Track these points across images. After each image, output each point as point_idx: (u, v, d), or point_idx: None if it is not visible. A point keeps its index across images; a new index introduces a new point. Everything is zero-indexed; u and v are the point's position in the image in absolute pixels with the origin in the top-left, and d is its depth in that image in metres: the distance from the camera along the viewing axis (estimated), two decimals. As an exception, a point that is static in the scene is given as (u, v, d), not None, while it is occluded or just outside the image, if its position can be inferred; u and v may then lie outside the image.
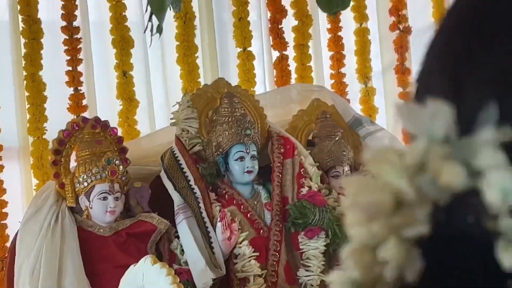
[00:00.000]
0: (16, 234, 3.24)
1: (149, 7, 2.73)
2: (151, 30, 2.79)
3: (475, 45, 0.50)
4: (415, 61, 4.69)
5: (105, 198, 3.17)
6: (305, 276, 3.40)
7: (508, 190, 0.42)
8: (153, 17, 2.74)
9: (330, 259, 3.50)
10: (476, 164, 0.43)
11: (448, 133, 0.45)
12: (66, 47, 3.71)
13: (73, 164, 3.31)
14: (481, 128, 0.44)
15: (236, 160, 3.36)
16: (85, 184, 3.17)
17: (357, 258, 0.46)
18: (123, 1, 3.80)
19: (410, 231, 0.44)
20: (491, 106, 0.45)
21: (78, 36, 3.74)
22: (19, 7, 3.64)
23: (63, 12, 3.72)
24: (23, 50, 3.62)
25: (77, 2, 3.74)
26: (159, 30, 2.75)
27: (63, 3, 3.70)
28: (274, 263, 3.37)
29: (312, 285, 3.38)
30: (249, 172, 3.37)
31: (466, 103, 0.47)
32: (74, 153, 3.27)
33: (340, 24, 4.33)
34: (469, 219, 0.43)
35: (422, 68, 0.55)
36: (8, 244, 3.46)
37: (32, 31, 3.62)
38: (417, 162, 0.44)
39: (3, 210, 3.53)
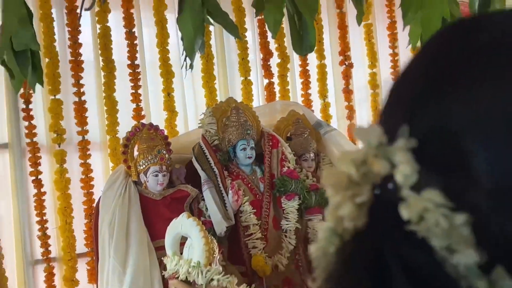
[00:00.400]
0: (99, 199, 3.24)
1: (184, 51, 2.72)
2: (186, 67, 2.77)
3: (424, 91, 0.50)
4: (356, 86, 4.68)
5: (156, 175, 3.17)
6: (286, 224, 3.41)
7: (408, 175, 0.45)
8: (187, 58, 2.73)
9: (301, 213, 3.51)
10: (394, 160, 0.46)
11: (379, 142, 0.48)
12: (130, 78, 3.70)
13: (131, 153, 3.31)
14: (398, 139, 0.47)
15: (241, 150, 3.38)
16: (144, 166, 3.18)
17: (331, 215, 0.50)
18: (167, 48, 3.77)
19: (358, 199, 0.47)
20: (405, 128, 0.47)
21: (138, 70, 3.73)
22: (100, 51, 3.62)
23: (128, 55, 3.70)
24: (103, 80, 3.61)
25: (137, 48, 3.73)
26: (191, 67, 2.75)
27: (128, 48, 3.69)
28: (266, 216, 3.38)
29: (290, 230, 3.39)
30: (249, 157, 3.39)
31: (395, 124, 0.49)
32: (136, 147, 3.27)
33: (308, 61, 4.32)
34: (389, 187, 0.46)
35: (388, 96, 0.55)
36: (94, 205, 3.46)
37: (109, 67, 3.62)
38: (361, 158, 0.48)
39: (91, 183, 3.53)
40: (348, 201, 0.48)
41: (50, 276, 3.40)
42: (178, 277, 2.76)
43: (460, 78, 0.48)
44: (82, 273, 3.50)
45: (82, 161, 3.54)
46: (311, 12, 2.40)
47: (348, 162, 0.48)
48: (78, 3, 3.47)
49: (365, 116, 4.77)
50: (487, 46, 0.49)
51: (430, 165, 0.46)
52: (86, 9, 3.08)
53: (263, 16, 2.46)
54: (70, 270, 3.42)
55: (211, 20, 2.50)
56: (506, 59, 0.47)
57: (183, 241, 2.85)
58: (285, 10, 2.55)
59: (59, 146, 3.47)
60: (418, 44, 1.99)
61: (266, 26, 3.06)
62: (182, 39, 2.61)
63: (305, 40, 2.57)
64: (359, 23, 2.44)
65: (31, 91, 3.17)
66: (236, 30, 2.51)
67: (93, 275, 3.44)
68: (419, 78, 0.51)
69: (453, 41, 0.52)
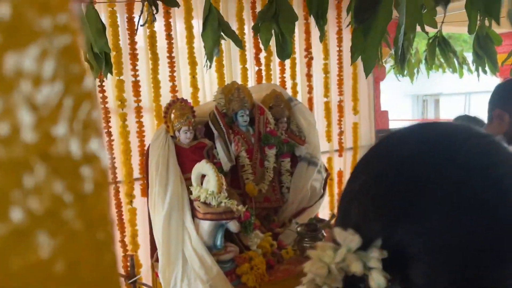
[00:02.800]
0: (148, 146, 3.21)
1: (205, 56, 2.63)
2: (206, 66, 2.68)
3: (369, 208, 0.44)
4: (315, 71, 4.60)
5: (186, 132, 3.11)
6: (267, 163, 3.42)
7: (379, 283, 0.40)
8: (207, 61, 2.64)
9: (277, 158, 3.52)
10: (368, 265, 0.41)
11: (355, 247, 0.43)
12: (168, 65, 3.58)
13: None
14: (372, 248, 0.42)
15: (240, 116, 3.33)
16: (177, 126, 3.11)
17: None
18: (193, 45, 3.65)
19: (334, 285, 0.43)
20: (378, 240, 0.42)
21: (174, 60, 3.61)
22: (148, 47, 3.50)
23: (167, 49, 3.58)
24: (150, 66, 3.50)
25: (173, 45, 3.60)
26: (210, 66, 2.65)
27: (167, 46, 3.56)
28: (255, 159, 3.38)
29: (269, 168, 3.41)
30: (245, 121, 3.34)
31: (371, 234, 0.44)
32: (172, 113, 3.21)
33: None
34: (361, 286, 0.41)
35: (343, 204, 0.49)
36: (145, 148, 3.43)
37: (154, 58, 3.50)
38: (341, 257, 0.43)
39: (143, 134, 3.48)
40: (325, 285, 0.43)
41: (117, 193, 3.41)
42: (199, 200, 2.80)
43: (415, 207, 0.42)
44: (136, 191, 3.51)
45: (137, 120, 3.48)
46: (290, 33, 2.31)
47: (330, 257, 0.43)
48: (135, 13, 3.32)
49: (319, 91, 4.73)
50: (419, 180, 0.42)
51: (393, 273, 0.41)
52: (141, 25, 2.94)
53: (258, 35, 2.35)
54: (129, 189, 3.43)
55: (224, 36, 2.38)
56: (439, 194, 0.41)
57: (203, 175, 2.87)
58: (273, 32, 2.44)
59: (122, 110, 3.39)
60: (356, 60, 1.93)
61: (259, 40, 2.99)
62: (204, 47, 2.50)
63: (285, 50, 2.48)
64: (321, 40, 2.35)
65: (104, 78, 3.07)
66: (240, 43, 2.41)
67: (144, 192, 3.46)
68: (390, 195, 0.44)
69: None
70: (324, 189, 3.71)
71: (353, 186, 0.50)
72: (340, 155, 4.98)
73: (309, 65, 4.47)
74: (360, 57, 1.76)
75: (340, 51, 4.68)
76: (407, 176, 0.44)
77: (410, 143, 0.47)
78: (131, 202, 3.44)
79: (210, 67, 2.67)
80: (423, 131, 0.49)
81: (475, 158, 0.42)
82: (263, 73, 4.16)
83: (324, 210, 4.98)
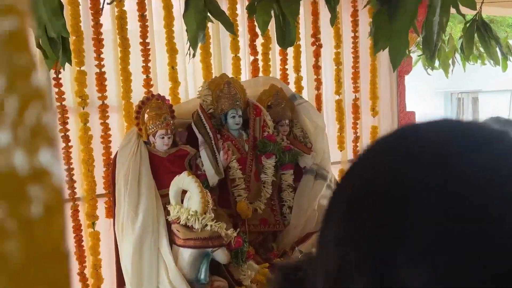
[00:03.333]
0: (116, 154, 3.21)
1: (188, 42, 2.64)
2: (189, 55, 2.70)
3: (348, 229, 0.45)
4: (324, 61, 4.64)
5: (163, 138, 3.14)
6: (264, 177, 3.44)
7: None
8: (190, 48, 2.65)
9: (277, 169, 3.53)
10: None
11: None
12: (142, 53, 3.60)
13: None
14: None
15: (231, 117, 3.35)
16: (153, 130, 3.14)
17: None
18: (172, 28, 3.68)
19: None
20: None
21: (149, 47, 3.63)
22: (117, 31, 3.52)
23: (140, 34, 3.60)
24: (119, 54, 3.51)
25: (148, 29, 3.62)
26: (193, 56, 2.67)
27: (140, 29, 3.58)
28: (249, 171, 3.39)
29: (267, 182, 3.43)
30: (237, 124, 3.37)
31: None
32: (146, 113, 3.22)
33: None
34: None
35: (323, 227, 0.49)
36: (111, 156, 3.43)
37: (124, 44, 3.52)
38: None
39: (109, 139, 3.48)
40: None
41: (75, 212, 3.40)
42: (179, 222, 2.79)
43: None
44: (100, 210, 3.49)
45: (102, 121, 3.48)
46: (294, 15, 2.33)
47: None
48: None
49: (330, 87, 4.75)
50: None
51: None
52: (108, 3, 2.94)
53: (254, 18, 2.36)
54: (91, 208, 3.42)
55: (211, 17, 2.39)
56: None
57: (183, 191, 2.87)
58: (272, 13, 2.46)
59: (83, 109, 3.39)
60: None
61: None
62: (186, 31, 2.51)
63: (287, 36, 2.50)
64: (332, 24, 2.36)
65: (61, 69, 3.07)
66: (232, 27, 2.43)
67: (109, 212, 3.45)
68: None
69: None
70: (335, 209, 3.72)
71: (334, 206, 0.50)
72: (355, 167, 4.98)
73: (317, 54, 4.49)
74: (382, 48, 1.77)
75: (355, 37, 4.71)
76: (400, 190, 0.43)
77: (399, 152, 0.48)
78: (93, 225, 3.42)
79: (193, 56, 2.67)
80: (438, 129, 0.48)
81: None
82: (260, 64, 4.18)
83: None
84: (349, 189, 0.50)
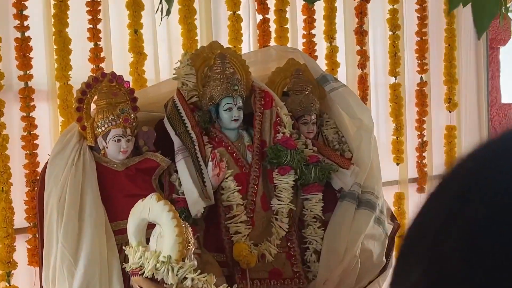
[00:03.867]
0: (46, 165, 3.22)
1: (160, -8, 2.66)
2: (161, 12, 2.72)
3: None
4: (372, 25, 4.66)
5: (119, 140, 3.16)
6: (277, 205, 3.45)
7: None
8: (163, 1, 2.68)
9: (297, 192, 3.54)
10: None
11: None
12: (88, 8, 3.63)
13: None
14: None
15: (226, 110, 3.37)
16: (103, 128, 3.15)
17: None
18: (136, -30, 3.69)
19: None
20: None
21: (98, -1, 3.65)
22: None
23: (86, -22, 3.63)
24: (52, 11, 3.53)
25: (97, -30, 3.65)
26: (168, 13, 2.68)
27: (86, -30, 3.61)
28: (253, 194, 3.40)
29: (282, 212, 3.43)
30: (235, 120, 3.38)
31: None
32: (93, 102, 3.25)
33: (312, -7, 4.27)
34: None
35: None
36: (38, 169, 3.44)
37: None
38: None
39: (35, 142, 3.49)
40: None
41: (-20, 257, 3.40)
42: (142, 273, 2.78)
43: None
44: (21, 253, 3.49)
45: (24, 114, 3.48)
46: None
47: None
48: None
49: (380, 64, 4.75)
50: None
51: None
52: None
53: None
54: (6, 250, 3.41)
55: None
56: None
57: (150, 225, 2.87)
58: None
59: (-4, 95, 3.40)
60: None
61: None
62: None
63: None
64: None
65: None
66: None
67: (34, 256, 3.45)
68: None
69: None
70: (389, 255, 3.71)
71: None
72: (422, 189, 4.97)
73: (361, 12, 4.50)
74: (462, 3, 1.76)
75: (422, -14, 4.73)
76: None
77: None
78: (8, 277, 3.43)
79: (168, 13, 2.68)
80: None
81: None
82: (272, 26, 4.19)
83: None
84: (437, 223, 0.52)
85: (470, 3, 1.97)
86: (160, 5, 2.68)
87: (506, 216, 0.48)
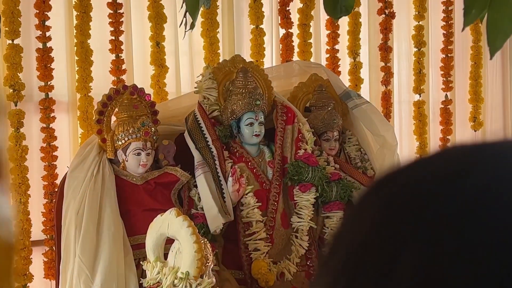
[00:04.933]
0: (64, 177, 3.24)
1: (184, 5, 2.66)
2: (185, 25, 2.72)
3: None
4: (397, 41, 4.65)
5: (139, 154, 3.16)
6: (297, 222, 3.44)
7: None
8: (187, 14, 2.67)
9: (318, 209, 3.53)
10: None
11: None
12: (110, 20, 3.67)
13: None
14: None
15: (247, 125, 3.36)
16: (123, 141, 3.16)
17: None
18: (159, -17, 3.72)
19: None
20: None
21: (121, 11, 3.69)
22: (73, -16, 3.58)
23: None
24: (75, 22, 3.56)
25: (121, -18, 3.68)
26: (192, 26, 2.67)
27: (109, -18, 3.64)
28: (273, 211, 3.39)
29: (302, 230, 3.42)
30: (257, 135, 3.37)
31: None
32: (114, 115, 3.27)
33: (337, 8, 4.27)
34: None
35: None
36: (57, 181, 3.46)
37: (83, 5, 3.57)
38: None
39: (54, 153, 3.52)
40: None
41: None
42: (161, 289, 2.78)
43: None
44: (37, 266, 3.51)
45: (44, 125, 3.51)
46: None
47: None
48: None
49: (405, 81, 4.74)
50: None
51: None
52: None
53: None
54: (23, 262, 3.43)
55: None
56: None
57: (168, 239, 2.87)
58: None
59: (16, 105, 3.43)
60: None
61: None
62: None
63: (340, -1, 2.50)
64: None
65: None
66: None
67: (51, 269, 3.47)
68: None
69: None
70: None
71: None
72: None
73: (386, 28, 4.50)
74: (479, 18, 1.75)
75: (448, 2, 4.72)
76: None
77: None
78: (24, 289, 3.45)
79: (192, 27, 2.69)
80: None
81: None
82: (295, 41, 4.20)
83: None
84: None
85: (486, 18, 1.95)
86: (184, 18, 2.68)
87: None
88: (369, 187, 0.61)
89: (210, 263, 2.80)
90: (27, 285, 3.46)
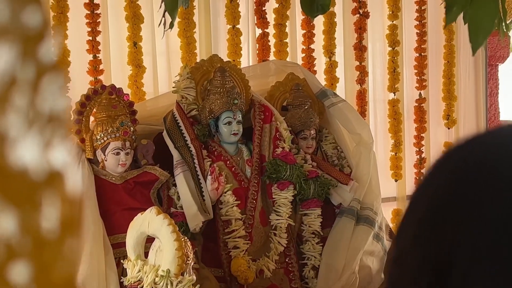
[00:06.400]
0: (43, 177, 3.24)
1: (163, 4, 2.69)
2: (164, 25, 2.74)
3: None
4: (371, 40, 4.69)
5: (118, 153, 3.18)
6: (276, 220, 3.46)
7: None
8: (166, 14, 2.70)
9: (296, 207, 3.56)
10: None
11: None
12: (87, 20, 3.68)
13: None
14: None
15: (225, 124, 3.39)
16: (102, 141, 3.17)
17: None
18: (136, -17, 3.73)
19: None
20: None
21: (98, 11, 3.70)
22: (49, -15, 3.58)
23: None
24: (52, 22, 3.56)
25: (97, -18, 3.68)
26: (171, 26, 2.70)
27: (85, -18, 3.64)
28: (252, 208, 3.42)
29: (280, 227, 3.44)
30: (235, 134, 3.40)
31: None
32: (92, 115, 3.28)
33: (312, 8, 4.31)
34: None
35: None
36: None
37: (60, 6, 3.58)
38: None
39: (32, 154, 3.50)
40: None
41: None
42: (141, 287, 2.79)
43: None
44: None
45: (22, 126, 3.51)
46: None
47: None
48: None
49: (379, 80, 4.78)
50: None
51: None
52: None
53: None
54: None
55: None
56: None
57: (149, 238, 2.89)
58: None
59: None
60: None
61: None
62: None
63: (317, -2, 2.56)
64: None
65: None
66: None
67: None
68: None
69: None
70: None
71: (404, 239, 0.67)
72: (419, 207, 4.98)
73: (361, 28, 4.54)
74: (463, 17, 1.80)
75: (421, 2, 4.77)
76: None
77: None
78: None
79: (171, 27, 2.71)
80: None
81: None
82: (271, 41, 4.23)
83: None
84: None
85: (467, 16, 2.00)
86: (163, 18, 2.70)
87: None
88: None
89: (190, 261, 2.82)
90: None
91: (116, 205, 3.20)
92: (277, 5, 4.21)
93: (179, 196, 3.28)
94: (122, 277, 2.95)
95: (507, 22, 4.28)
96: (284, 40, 4.24)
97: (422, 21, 4.81)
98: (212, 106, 3.38)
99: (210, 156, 3.40)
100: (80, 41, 3.67)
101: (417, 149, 4.92)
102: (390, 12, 4.67)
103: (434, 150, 5.02)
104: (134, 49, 3.77)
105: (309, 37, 4.35)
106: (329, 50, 4.43)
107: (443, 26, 4.79)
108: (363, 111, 4.50)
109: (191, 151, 3.32)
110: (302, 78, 3.84)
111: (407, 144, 4.84)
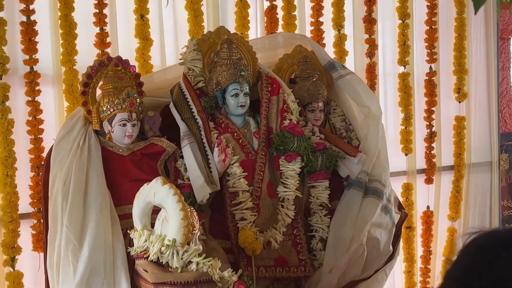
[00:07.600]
0: (51, 149, 3.25)
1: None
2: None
3: None
4: (381, 13, 4.66)
5: (124, 125, 3.18)
6: (283, 192, 3.47)
7: None
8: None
9: (304, 179, 3.56)
10: None
11: None
12: (93, -6, 3.65)
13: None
14: None
15: (232, 96, 3.39)
16: (108, 112, 3.18)
17: None
18: (142, -46, 3.72)
19: None
20: None
21: (103, -16, 3.68)
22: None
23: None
24: (59, -4, 3.56)
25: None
26: (174, -3, 2.69)
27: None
28: (259, 180, 3.42)
29: (288, 199, 3.45)
30: (242, 106, 3.40)
31: None
32: (99, 86, 3.28)
33: (321, -20, 4.29)
34: None
35: None
36: (43, 154, 3.47)
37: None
38: None
39: (40, 127, 3.52)
40: None
41: (-15, 242, 3.44)
42: (147, 257, 2.80)
43: None
44: (25, 238, 3.52)
45: (30, 99, 3.51)
46: None
47: None
48: None
49: (389, 53, 4.76)
50: None
51: None
52: None
53: None
54: (11, 235, 3.45)
55: None
56: None
57: (155, 209, 2.90)
58: None
59: (1, 79, 3.42)
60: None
61: None
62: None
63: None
64: None
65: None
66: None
67: (39, 242, 3.48)
68: None
69: None
70: (395, 244, 3.74)
71: None
72: (430, 180, 5.01)
73: (370, 0, 4.51)
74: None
75: (432, -26, 4.75)
76: None
77: None
78: (12, 262, 3.46)
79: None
80: None
81: None
82: (279, 14, 4.21)
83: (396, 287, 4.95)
84: None
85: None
86: (168, -12, 2.70)
87: None
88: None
89: (196, 231, 2.82)
90: (16, 257, 3.47)
91: (123, 176, 3.20)
92: (285, -23, 4.18)
93: (186, 168, 3.28)
94: (128, 247, 2.97)
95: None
96: (293, 13, 4.22)
97: (434, -6, 4.77)
98: (219, 78, 3.38)
99: (217, 128, 3.40)
100: (87, 14, 3.65)
101: (428, 123, 4.90)
102: (400, -17, 4.63)
103: (445, 124, 5.00)
104: (141, 21, 3.76)
105: (317, 9, 4.32)
106: (338, 23, 4.40)
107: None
108: (372, 85, 4.48)
109: (198, 123, 3.32)
110: (310, 50, 3.83)
111: (418, 118, 4.83)
